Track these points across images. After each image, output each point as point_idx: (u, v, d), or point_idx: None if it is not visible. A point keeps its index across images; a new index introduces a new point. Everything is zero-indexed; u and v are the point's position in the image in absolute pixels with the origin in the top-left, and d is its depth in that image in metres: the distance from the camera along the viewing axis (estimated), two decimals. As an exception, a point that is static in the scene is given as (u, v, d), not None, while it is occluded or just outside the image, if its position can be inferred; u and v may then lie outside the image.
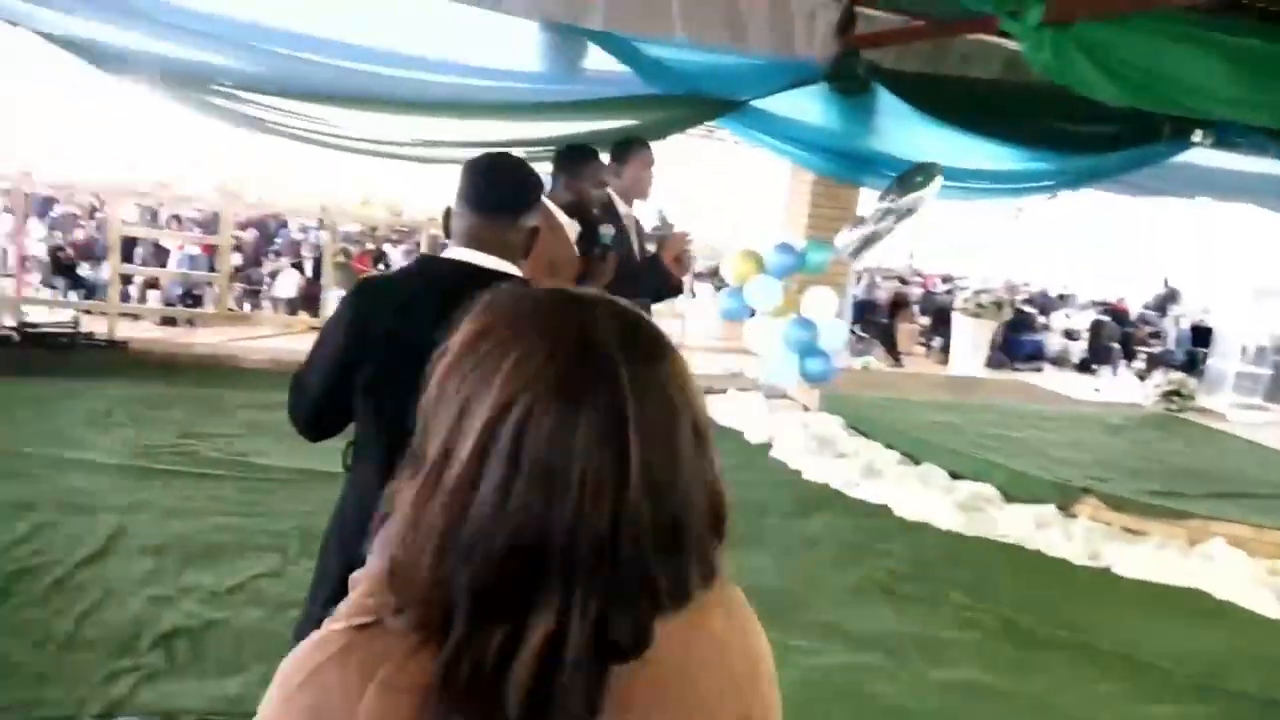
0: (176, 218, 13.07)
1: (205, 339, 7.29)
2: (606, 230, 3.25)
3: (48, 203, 14.16)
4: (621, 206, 3.76)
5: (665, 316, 10.38)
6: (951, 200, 7.47)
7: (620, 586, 0.69)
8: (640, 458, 0.69)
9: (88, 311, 7.28)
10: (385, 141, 6.97)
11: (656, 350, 0.75)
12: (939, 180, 5.93)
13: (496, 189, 1.76)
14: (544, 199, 3.29)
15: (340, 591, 0.77)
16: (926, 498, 5.29)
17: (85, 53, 6.02)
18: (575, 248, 3.28)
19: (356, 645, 0.69)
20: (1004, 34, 5.91)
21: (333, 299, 7.18)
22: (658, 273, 3.68)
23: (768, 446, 6.18)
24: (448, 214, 1.79)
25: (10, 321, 6.74)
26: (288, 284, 12.56)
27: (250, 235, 13.83)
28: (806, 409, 7.11)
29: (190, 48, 6.16)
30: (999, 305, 10.09)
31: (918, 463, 5.90)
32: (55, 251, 11.01)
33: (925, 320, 14.98)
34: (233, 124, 6.56)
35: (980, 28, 6.32)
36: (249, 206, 14.82)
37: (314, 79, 6.45)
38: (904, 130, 7.19)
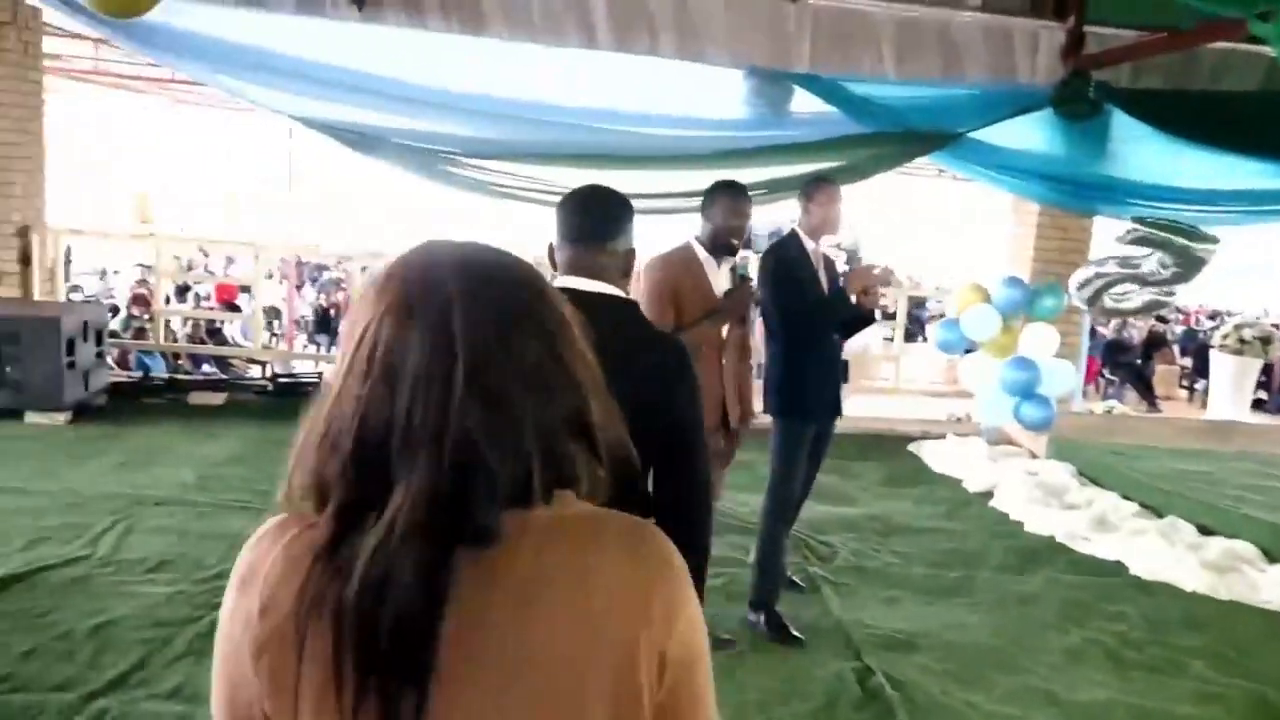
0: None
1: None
2: (742, 261, 3.28)
3: (320, 269, 15.81)
4: (808, 243, 3.77)
5: (880, 359, 10.05)
6: (1215, 227, 6.73)
7: (454, 473, 0.79)
8: (468, 361, 0.81)
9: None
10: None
11: (498, 276, 0.88)
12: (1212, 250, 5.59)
13: (584, 221, 1.87)
14: (692, 240, 3.42)
15: None
16: (1169, 555, 4.76)
17: (336, 134, 6.71)
18: (709, 280, 3.34)
19: (281, 523, 0.86)
20: (1255, 40, 5.34)
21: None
22: (843, 305, 3.68)
23: (988, 495, 5.80)
24: (551, 250, 1.91)
25: (278, 372, 7.55)
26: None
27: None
28: (1034, 456, 6.62)
29: (426, 121, 6.71)
30: (1266, 341, 8.97)
31: (1160, 515, 5.33)
32: (320, 311, 12.24)
33: (1187, 361, 13.62)
34: (464, 189, 7.02)
35: (1225, 35, 5.75)
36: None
37: (541, 141, 6.84)
38: (1143, 153, 6.63)
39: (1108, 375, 13.48)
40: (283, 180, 15.09)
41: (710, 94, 6.79)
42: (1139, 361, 13.41)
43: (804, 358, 3.70)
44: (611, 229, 1.87)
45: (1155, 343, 13.87)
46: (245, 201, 20.21)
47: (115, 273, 14.28)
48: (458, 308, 0.83)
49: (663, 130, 6.74)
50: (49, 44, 9.62)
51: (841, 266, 4.37)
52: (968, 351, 6.32)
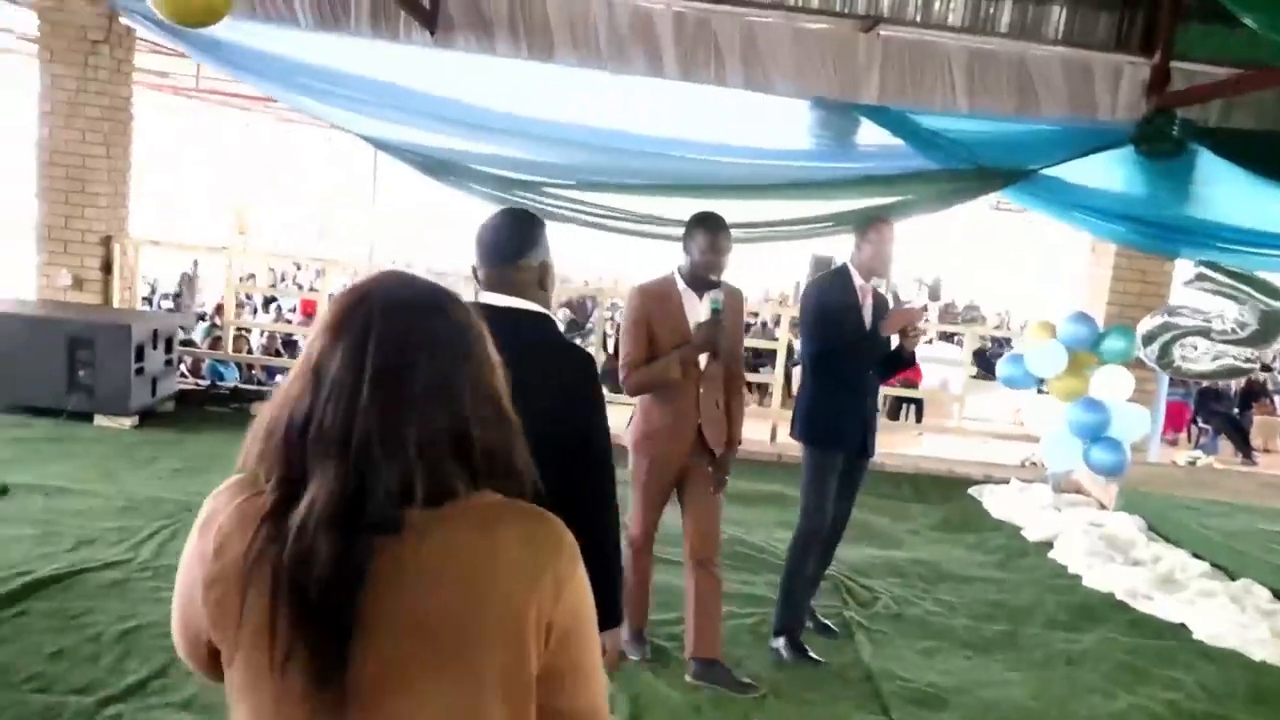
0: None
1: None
2: (715, 296, 3.28)
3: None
4: (857, 279, 3.78)
5: (941, 400, 9.76)
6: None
7: (357, 473, 0.96)
8: (373, 373, 0.98)
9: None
10: (669, 221, 7.18)
11: (414, 302, 1.04)
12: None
13: (497, 241, 2.05)
14: (675, 272, 3.46)
15: None
16: (1238, 620, 4.48)
17: (404, 156, 6.85)
18: (685, 312, 3.39)
19: (240, 481, 1.04)
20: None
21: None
22: (878, 344, 3.70)
23: (1047, 545, 5.55)
24: (474, 270, 2.08)
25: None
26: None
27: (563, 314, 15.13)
28: (1102, 507, 6.32)
29: (492, 145, 6.79)
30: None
31: (1233, 578, 5.03)
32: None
33: (1288, 412, 12.94)
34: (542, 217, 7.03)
35: (1320, 74, 5.46)
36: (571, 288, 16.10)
37: (606, 167, 6.86)
38: (1231, 194, 6.34)
39: (1200, 424, 12.87)
40: (368, 196, 15.50)
41: (776, 124, 6.72)
42: (1235, 411, 12.77)
43: (834, 388, 3.72)
44: (522, 247, 2.03)
45: (1254, 392, 13.21)
46: (337, 217, 20.84)
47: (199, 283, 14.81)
48: (375, 327, 1.00)
49: (728, 159, 6.69)
50: (157, 62, 10.11)
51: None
52: (1040, 393, 6.10)
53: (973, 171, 6.41)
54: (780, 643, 3.76)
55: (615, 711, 3.15)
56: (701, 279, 3.38)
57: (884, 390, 7.23)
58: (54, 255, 6.89)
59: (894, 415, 10.80)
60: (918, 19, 6.40)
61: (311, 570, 0.93)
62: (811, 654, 3.73)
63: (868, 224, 3.89)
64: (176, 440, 5.94)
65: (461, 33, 6.68)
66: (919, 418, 10.92)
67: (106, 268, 6.93)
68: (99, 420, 5.95)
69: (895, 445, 7.33)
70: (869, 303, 3.78)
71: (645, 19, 6.51)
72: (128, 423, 6.02)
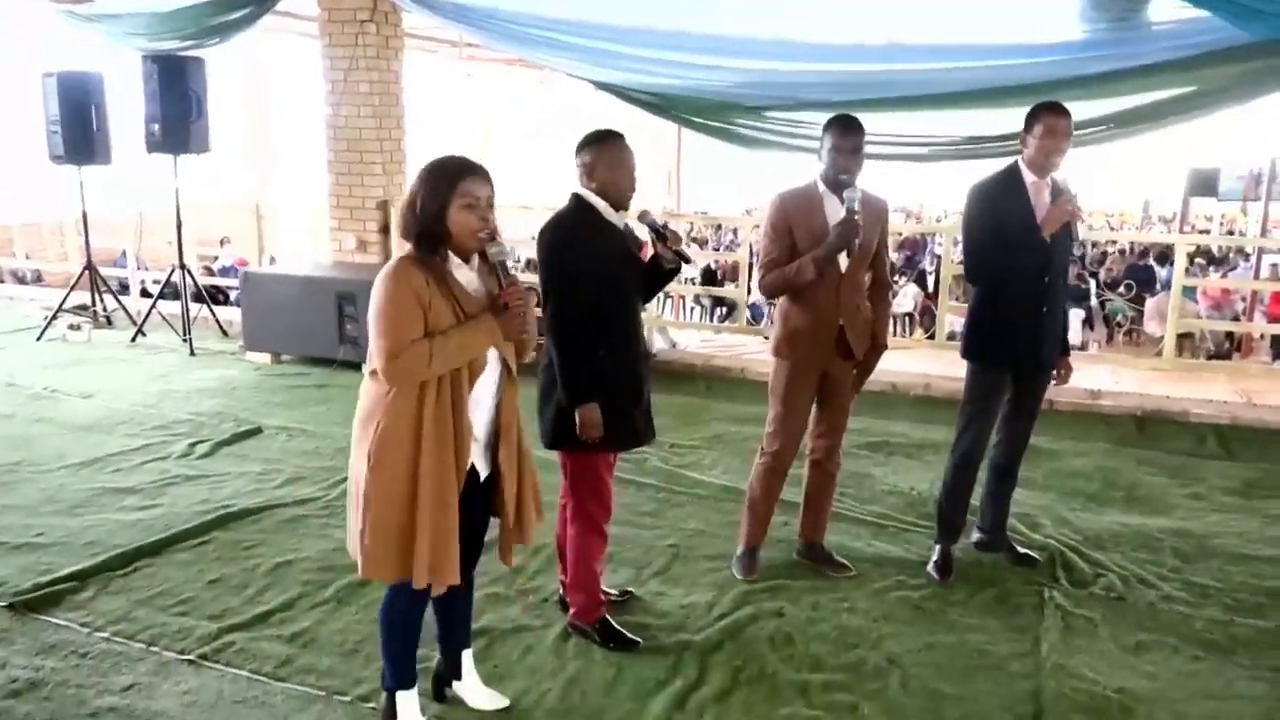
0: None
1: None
2: (850, 196, 3.22)
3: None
4: (1029, 176, 3.37)
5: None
6: None
7: None
8: None
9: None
10: (935, 142, 6.43)
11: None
12: None
13: None
14: (817, 177, 3.31)
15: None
16: None
17: (633, 98, 6.73)
18: (824, 215, 3.30)
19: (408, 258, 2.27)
20: None
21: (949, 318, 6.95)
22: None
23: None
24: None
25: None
26: (905, 299, 12.60)
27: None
28: None
29: (717, 76, 6.48)
30: None
31: None
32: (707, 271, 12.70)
33: None
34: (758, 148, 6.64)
35: None
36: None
37: (840, 83, 6.28)
38: None
39: None
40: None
41: (1037, 14, 5.70)
42: None
43: (994, 298, 3.46)
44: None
45: None
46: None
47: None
48: None
49: (976, 63, 5.81)
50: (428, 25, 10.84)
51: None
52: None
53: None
54: (934, 554, 3.70)
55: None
56: (835, 181, 3.29)
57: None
58: (342, 221, 7.65)
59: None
60: None
61: None
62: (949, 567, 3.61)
63: (1031, 116, 3.36)
64: (424, 387, 6.35)
65: (688, -39, 6.41)
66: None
67: (384, 230, 7.58)
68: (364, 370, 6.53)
69: (1208, 389, 6.06)
70: (1044, 201, 3.34)
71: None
72: (387, 372, 6.55)
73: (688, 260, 3.07)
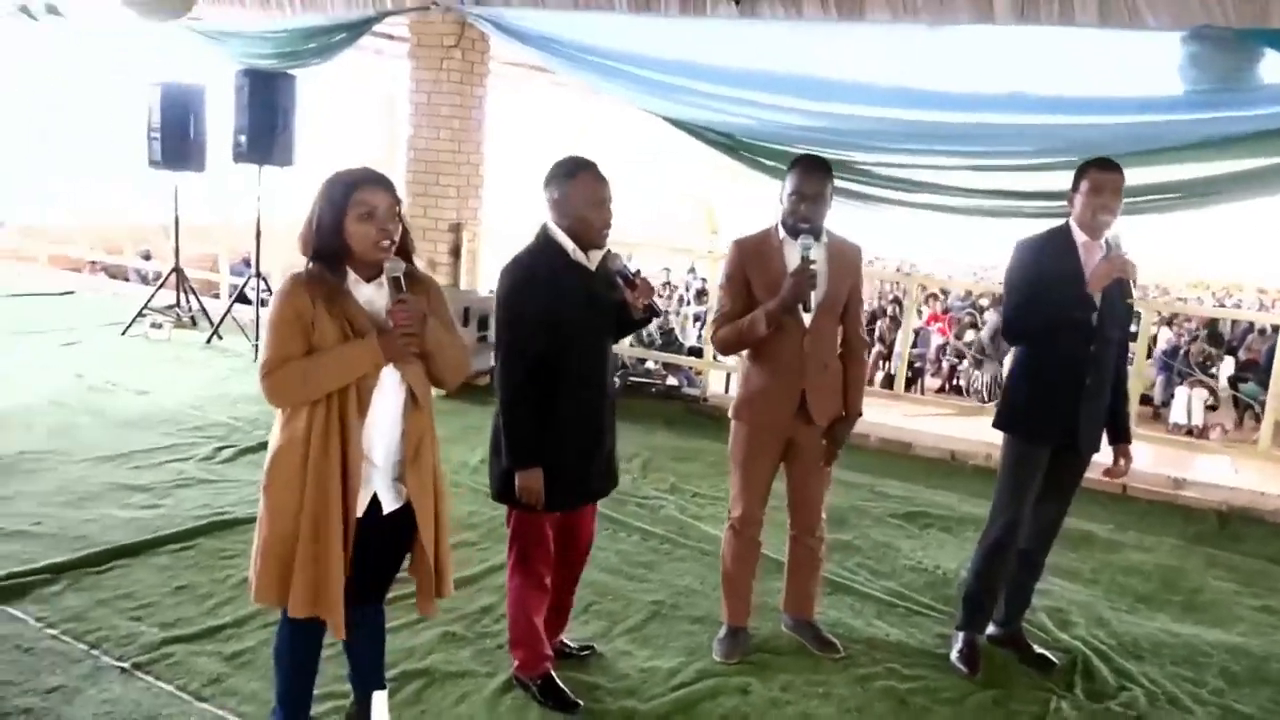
0: (935, 295, 14.52)
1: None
2: (805, 243, 2.99)
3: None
4: (1079, 236, 3.12)
5: None
6: None
7: None
8: None
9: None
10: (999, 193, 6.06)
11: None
12: None
13: None
14: (777, 222, 3.09)
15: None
16: None
17: (703, 136, 6.59)
18: (783, 263, 3.07)
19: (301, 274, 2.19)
20: None
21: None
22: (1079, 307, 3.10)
23: None
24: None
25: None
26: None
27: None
28: None
29: (796, 117, 6.27)
30: None
31: None
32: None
33: None
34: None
35: None
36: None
37: (919, 133, 5.98)
38: None
39: None
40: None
41: (1138, 68, 5.31)
42: None
43: (1035, 365, 3.21)
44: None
45: None
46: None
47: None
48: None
49: (1065, 119, 5.44)
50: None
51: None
52: None
53: None
54: (957, 641, 3.39)
55: None
56: (792, 226, 3.07)
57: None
58: (416, 242, 7.70)
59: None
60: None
61: None
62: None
63: (1079, 172, 3.08)
64: (462, 411, 6.26)
65: (767, 2, 6.26)
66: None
67: (455, 252, 7.61)
68: (414, 389, 6.53)
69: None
70: (1094, 261, 3.07)
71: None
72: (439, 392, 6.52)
73: (658, 313, 2.88)
